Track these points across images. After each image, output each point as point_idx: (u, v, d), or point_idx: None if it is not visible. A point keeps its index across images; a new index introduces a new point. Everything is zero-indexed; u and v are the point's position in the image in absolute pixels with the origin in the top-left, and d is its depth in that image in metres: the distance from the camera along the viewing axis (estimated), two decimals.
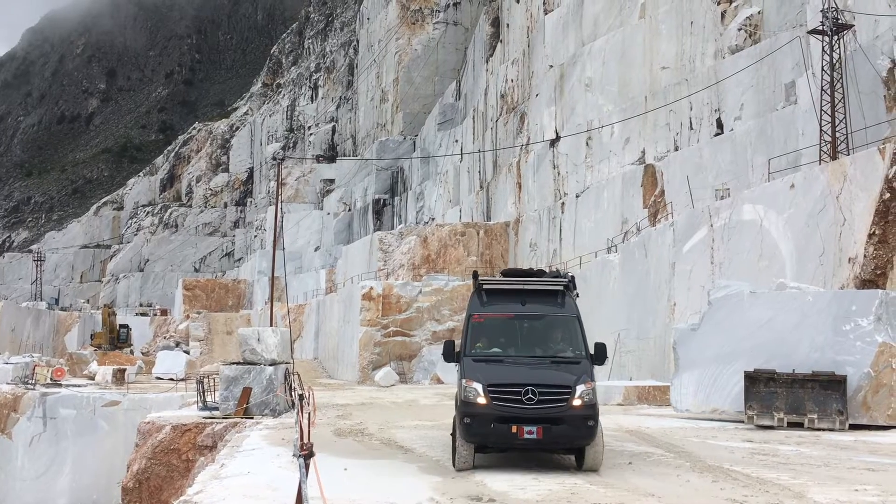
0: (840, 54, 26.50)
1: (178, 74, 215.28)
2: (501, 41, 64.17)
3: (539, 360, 11.40)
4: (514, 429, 10.62)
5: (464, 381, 11.06)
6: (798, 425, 16.04)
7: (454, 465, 11.36)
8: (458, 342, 12.08)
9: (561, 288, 12.09)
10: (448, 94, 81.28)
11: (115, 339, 57.97)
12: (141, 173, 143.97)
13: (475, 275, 12.68)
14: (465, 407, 10.94)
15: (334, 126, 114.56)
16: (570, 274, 13.15)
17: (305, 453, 6.65)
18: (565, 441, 10.93)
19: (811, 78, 28.02)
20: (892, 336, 15.91)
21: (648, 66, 41.04)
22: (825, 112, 26.54)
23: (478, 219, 56.91)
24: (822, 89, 26.69)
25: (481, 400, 10.77)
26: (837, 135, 26.26)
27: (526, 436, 10.62)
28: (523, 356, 11.47)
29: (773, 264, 23.59)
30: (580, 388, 10.81)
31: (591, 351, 11.56)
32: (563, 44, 49.21)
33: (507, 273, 13.23)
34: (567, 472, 11.24)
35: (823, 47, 26.84)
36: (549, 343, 11.76)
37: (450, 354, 11.68)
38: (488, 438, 10.92)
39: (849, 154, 24.86)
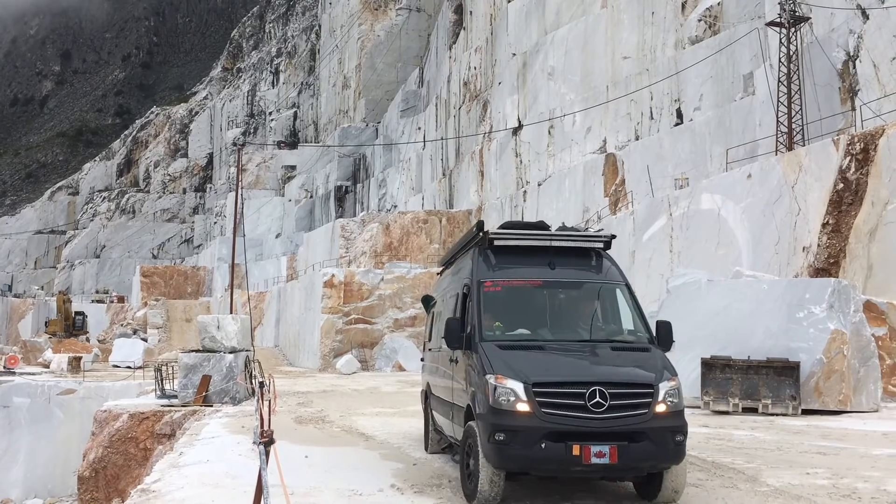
0: (797, 46, 26.97)
1: (135, 57, 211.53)
2: (464, 28, 64.06)
3: (591, 346, 8.17)
4: (575, 449, 7.24)
5: (491, 377, 7.57)
6: (753, 410, 16.37)
7: (471, 498, 7.91)
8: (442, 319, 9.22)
9: (600, 245, 8.98)
10: (411, 81, 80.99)
11: (70, 326, 57.07)
12: (97, 158, 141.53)
13: (480, 225, 9.17)
14: (495, 417, 7.46)
15: (296, 112, 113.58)
16: (602, 231, 9.87)
17: (265, 441, 6.61)
18: (647, 464, 7.57)
19: (769, 69, 28.48)
20: (843, 323, 16.29)
21: (610, 55, 41.33)
22: (782, 103, 27.00)
23: (440, 206, 56.93)
24: (780, 81, 27.15)
25: (523, 406, 7.38)
26: (794, 126, 26.74)
27: (594, 459, 7.26)
28: (567, 341, 8.19)
29: (730, 253, 23.99)
30: (664, 388, 7.61)
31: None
32: (525, 32, 49.33)
33: (508, 227, 9.37)
34: None
35: (781, 39, 27.28)
36: (594, 322, 8.64)
37: (457, 338, 8.29)
38: (534, 463, 7.42)
39: (804, 145, 25.35)
